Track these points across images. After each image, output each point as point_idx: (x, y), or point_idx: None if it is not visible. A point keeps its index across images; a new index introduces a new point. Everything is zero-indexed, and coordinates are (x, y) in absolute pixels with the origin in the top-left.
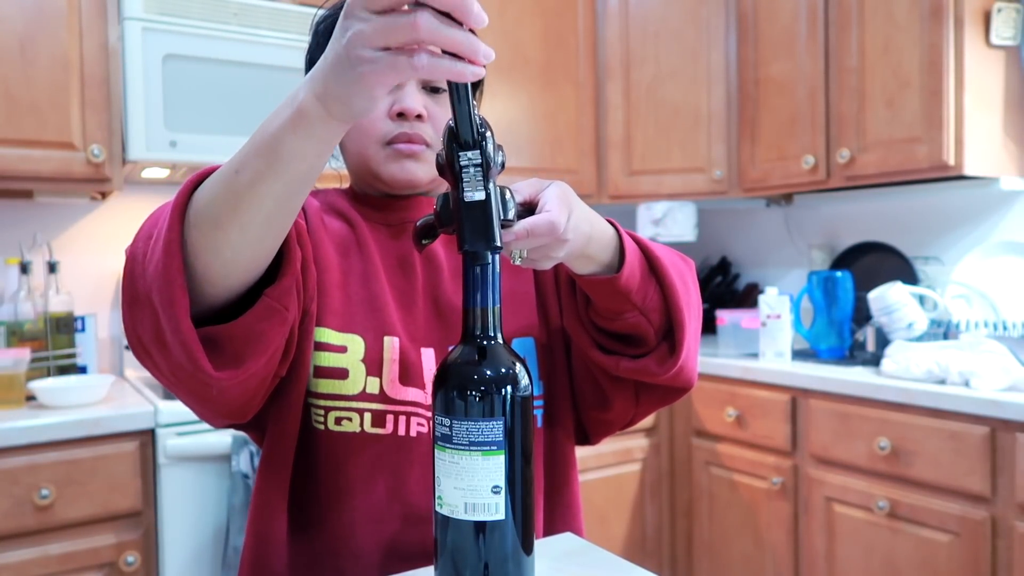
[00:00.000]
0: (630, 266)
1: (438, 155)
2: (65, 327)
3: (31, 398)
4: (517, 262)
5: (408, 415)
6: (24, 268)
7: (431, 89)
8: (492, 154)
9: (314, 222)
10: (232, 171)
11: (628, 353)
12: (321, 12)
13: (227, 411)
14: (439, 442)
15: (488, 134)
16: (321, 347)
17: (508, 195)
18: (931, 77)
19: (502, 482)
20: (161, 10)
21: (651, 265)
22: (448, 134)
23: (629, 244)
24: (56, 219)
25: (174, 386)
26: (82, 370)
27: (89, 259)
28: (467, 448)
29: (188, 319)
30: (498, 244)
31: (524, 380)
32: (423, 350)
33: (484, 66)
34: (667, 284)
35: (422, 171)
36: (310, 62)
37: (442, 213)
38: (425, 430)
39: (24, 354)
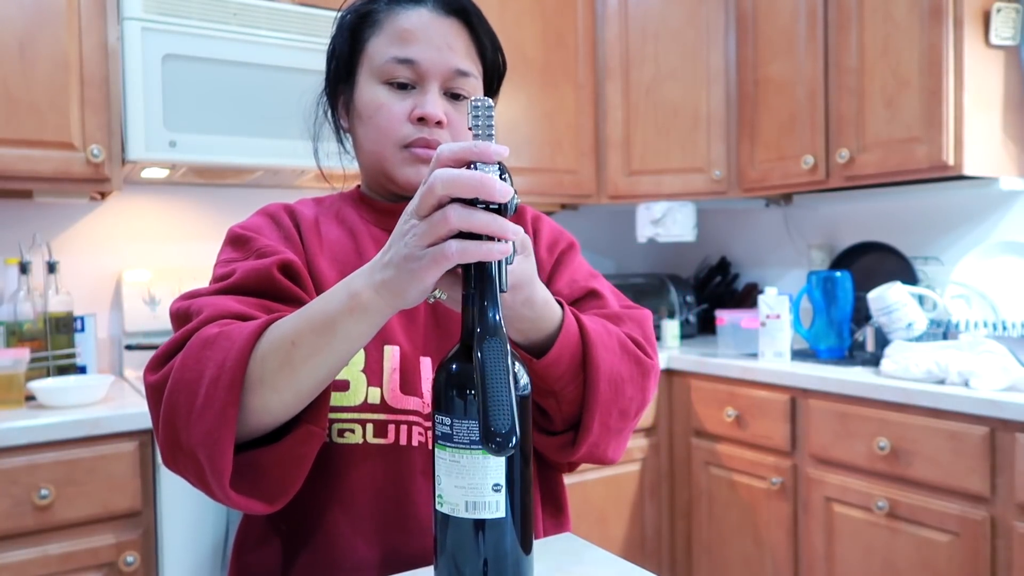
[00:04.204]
0: (554, 357)
1: None
2: (64, 327)
3: (31, 398)
4: (433, 300)
5: (409, 424)
6: (23, 268)
7: (452, 95)
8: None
9: (309, 239)
10: (289, 343)
11: (537, 422)
12: (343, 10)
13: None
14: (440, 441)
15: (506, 177)
16: None
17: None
18: (930, 77)
19: (503, 480)
20: (161, 10)
21: (588, 367)
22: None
23: (565, 339)
24: (55, 219)
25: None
26: (81, 370)
27: (88, 259)
28: (468, 447)
29: (230, 488)
30: (504, 289)
31: (523, 379)
32: (422, 359)
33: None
34: (592, 391)
35: None
36: (332, 52)
37: None
38: (424, 439)
39: (23, 354)
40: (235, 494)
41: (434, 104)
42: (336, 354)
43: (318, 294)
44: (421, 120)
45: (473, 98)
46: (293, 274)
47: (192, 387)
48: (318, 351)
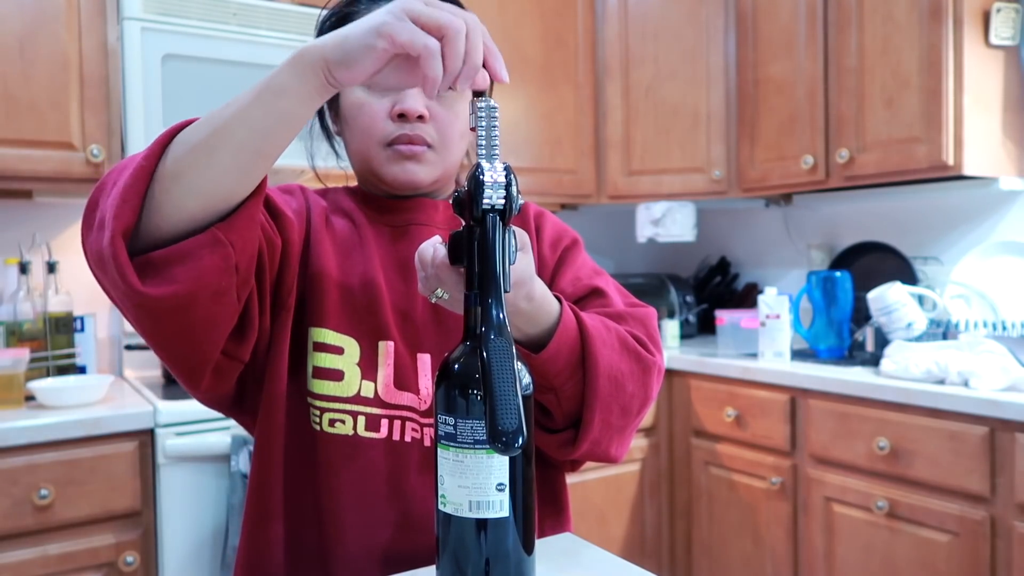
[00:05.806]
0: (553, 351)
1: (458, 192)
2: (64, 327)
3: (30, 398)
4: (435, 300)
5: (403, 420)
6: (23, 268)
7: None
8: (515, 197)
9: (317, 223)
10: (223, 105)
11: (538, 419)
12: (325, 12)
13: (183, 358)
14: (442, 440)
15: (512, 177)
16: (320, 347)
17: (513, 240)
18: (930, 77)
19: (506, 480)
20: (160, 10)
21: (586, 362)
22: (473, 179)
23: (563, 334)
24: (55, 219)
25: (125, 312)
26: (81, 370)
27: None
28: (471, 447)
29: (121, 236)
30: (508, 289)
31: (526, 378)
32: (419, 355)
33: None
34: (591, 387)
35: (423, 172)
36: None
37: (453, 252)
38: (419, 436)
39: (23, 354)
40: (119, 241)
41: (413, 99)
42: (260, 110)
43: (318, 278)
44: (402, 116)
45: (479, 99)
46: (271, 205)
47: (115, 173)
48: (243, 106)
